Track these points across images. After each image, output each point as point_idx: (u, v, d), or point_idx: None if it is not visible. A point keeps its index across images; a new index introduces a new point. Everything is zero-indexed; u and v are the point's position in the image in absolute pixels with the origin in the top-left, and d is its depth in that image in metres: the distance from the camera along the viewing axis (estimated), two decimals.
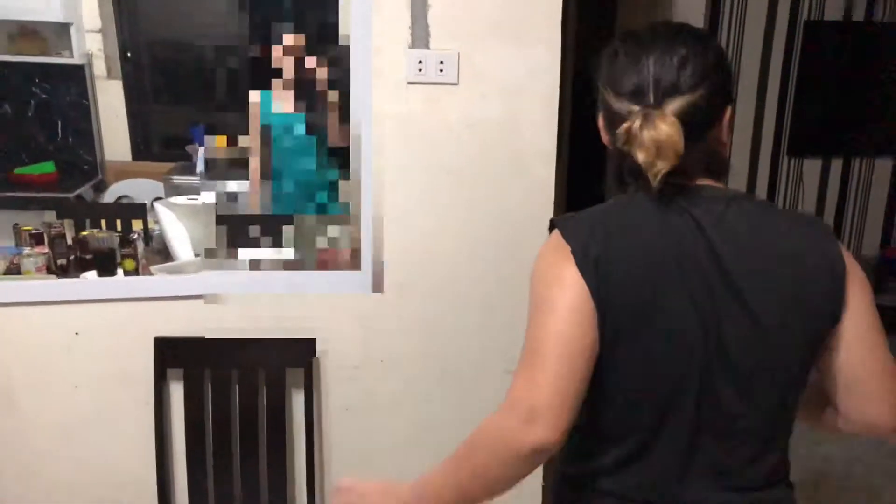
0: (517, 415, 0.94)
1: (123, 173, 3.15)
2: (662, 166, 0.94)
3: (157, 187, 2.80)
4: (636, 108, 0.97)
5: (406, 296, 1.82)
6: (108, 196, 2.86)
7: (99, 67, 3.23)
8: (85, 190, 3.11)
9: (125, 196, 2.89)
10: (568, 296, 0.96)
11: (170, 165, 2.97)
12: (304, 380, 1.81)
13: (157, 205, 2.54)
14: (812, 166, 4.31)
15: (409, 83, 1.65)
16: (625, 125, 0.97)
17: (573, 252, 0.98)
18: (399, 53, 1.64)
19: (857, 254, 4.44)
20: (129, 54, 3.35)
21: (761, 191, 4.26)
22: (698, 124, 0.98)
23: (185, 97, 3.44)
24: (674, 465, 1.04)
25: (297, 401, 1.85)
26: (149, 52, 3.44)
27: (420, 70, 1.64)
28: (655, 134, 0.94)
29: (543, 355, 0.96)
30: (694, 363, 1.00)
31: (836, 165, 4.33)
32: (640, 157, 0.95)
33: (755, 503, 1.05)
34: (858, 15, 4.11)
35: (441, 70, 1.64)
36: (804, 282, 1.00)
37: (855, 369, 1.03)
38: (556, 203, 1.88)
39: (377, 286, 1.79)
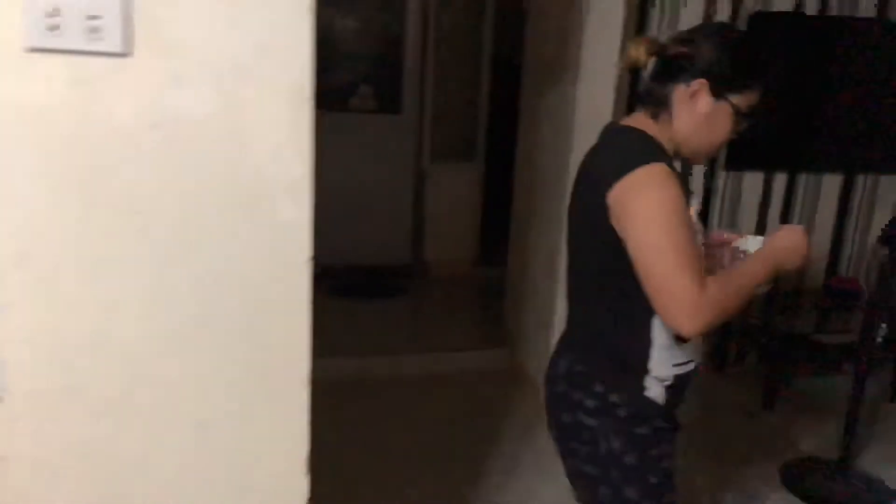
0: None
1: None
2: (624, 60, 1.43)
3: None
4: None
5: (42, 406, 1.12)
6: None
7: None
8: None
9: None
10: None
11: None
12: None
13: None
14: (753, 181, 3.73)
15: (32, 50, 0.94)
16: None
17: None
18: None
19: (797, 283, 3.88)
20: None
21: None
22: (664, 68, 1.40)
23: None
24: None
25: None
26: None
27: (54, 30, 0.94)
28: (631, 42, 1.41)
29: None
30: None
31: (780, 181, 3.76)
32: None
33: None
34: (811, 7, 3.53)
35: (95, 30, 0.95)
36: (589, 196, 1.38)
37: (645, 287, 1.30)
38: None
39: None
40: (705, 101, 1.36)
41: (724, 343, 3.80)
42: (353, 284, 4.49)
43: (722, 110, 1.37)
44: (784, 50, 3.55)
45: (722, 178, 3.67)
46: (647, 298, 1.30)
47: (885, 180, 3.84)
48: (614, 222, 1.29)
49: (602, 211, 1.31)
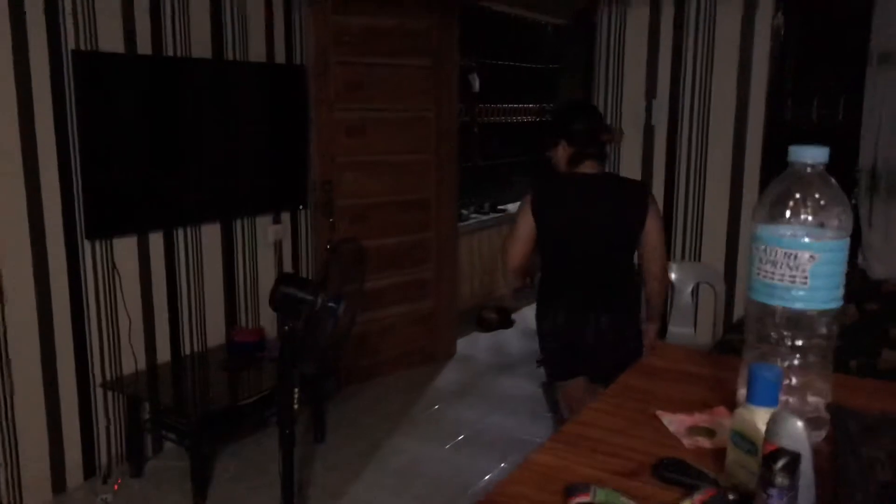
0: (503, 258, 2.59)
1: None
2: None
3: None
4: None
5: None
6: None
7: None
8: None
9: None
10: (526, 214, 2.49)
11: None
12: None
13: None
14: (126, 246, 3.21)
15: None
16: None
17: (531, 198, 2.50)
18: None
19: (202, 345, 3.55)
20: None
21: (60, 282, 2.95)
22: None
23: None
24: (581, 295, 2.52)
25: None
26: None
27: None
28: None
29: (516, 237, 2.51)
30: (578, 243, 2.47)
31: (157, 240, 3.33)
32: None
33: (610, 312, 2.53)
34: (144, 47, 3.15)
35: None
36: (621, 207, 2.48)
37: (645, 257, 2.51)
38: None
39: None
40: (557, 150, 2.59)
41: (135, 439, 3.21)
42: None
43: None
44: (125, 96, 3.10)
45: (89, 247, 3.04)
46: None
47: (261, 220, 3.79)
48: (647, 224, 2.46)
49: (640, 219, 2.44)
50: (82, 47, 2.91)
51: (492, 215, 5.68)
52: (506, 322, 5.29)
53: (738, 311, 3.45)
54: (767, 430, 0.71)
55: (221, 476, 3.20)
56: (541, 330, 2.62)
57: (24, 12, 2.73)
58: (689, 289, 3.58)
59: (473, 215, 5.51)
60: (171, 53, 3.24)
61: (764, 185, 3.36)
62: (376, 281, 4.06)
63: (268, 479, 3.12)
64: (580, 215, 2.45)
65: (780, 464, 0.69)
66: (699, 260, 3.62)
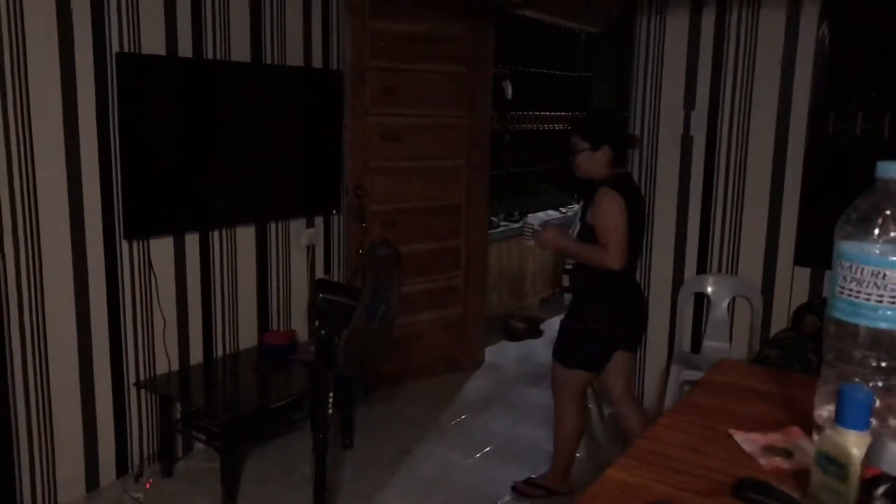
0: (607, 256, 2.66)
1: None
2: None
3: None
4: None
5: None
6: None
7: None
8: None
9: None
10: (623, 212, 2.66)
11: None
12: None
13: None
14: (162, 246, 3.23)
15: None
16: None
17: (623, 197, 2.68)
18: None
19: (234, 347, 3.57)
20: None
21: (98, 281, 2.98)
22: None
23: None
24: (636, 280, 3.00)
25: None
26: None
27: None
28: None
29: (622, 233, 2.68)
30: (640, 234, 2.90)
31: (192, 241, 3.35)
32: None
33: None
34: (185, 50, 3.18)
35: None
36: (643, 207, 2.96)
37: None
38: None
39: None
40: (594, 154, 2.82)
41: (167, 439, 3.22)
42: None
43: None
44: (163, 97, 3.13)
45: (126, 247, 3.07)
46: None
47: (294, 224, 3.80)
48: None
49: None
50: (126, 49, 2.94)
51: (521, 223, 5.65)
52: (534, 332, 5.26)
53: (775, 326, 3.40)
54: (868, 454, 0.68)
55: (250, 478, 3.20)
56: (608, 321, 2.83)
57: (71, 14, 2.76)
58: (726, 303, 3.53)
59: (503, 223, 5.49)
60: (210, 56, 3.27)
61: (805, 199, 3.32)
62: (406, 287, 4.04)
63: (296, 481, 3.12)
64: (642, 210, 2.87)
65: (881, 489, 0.66)
66: (736, 273, 3.57)
